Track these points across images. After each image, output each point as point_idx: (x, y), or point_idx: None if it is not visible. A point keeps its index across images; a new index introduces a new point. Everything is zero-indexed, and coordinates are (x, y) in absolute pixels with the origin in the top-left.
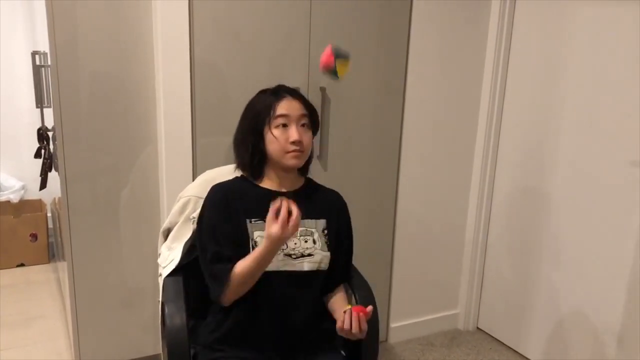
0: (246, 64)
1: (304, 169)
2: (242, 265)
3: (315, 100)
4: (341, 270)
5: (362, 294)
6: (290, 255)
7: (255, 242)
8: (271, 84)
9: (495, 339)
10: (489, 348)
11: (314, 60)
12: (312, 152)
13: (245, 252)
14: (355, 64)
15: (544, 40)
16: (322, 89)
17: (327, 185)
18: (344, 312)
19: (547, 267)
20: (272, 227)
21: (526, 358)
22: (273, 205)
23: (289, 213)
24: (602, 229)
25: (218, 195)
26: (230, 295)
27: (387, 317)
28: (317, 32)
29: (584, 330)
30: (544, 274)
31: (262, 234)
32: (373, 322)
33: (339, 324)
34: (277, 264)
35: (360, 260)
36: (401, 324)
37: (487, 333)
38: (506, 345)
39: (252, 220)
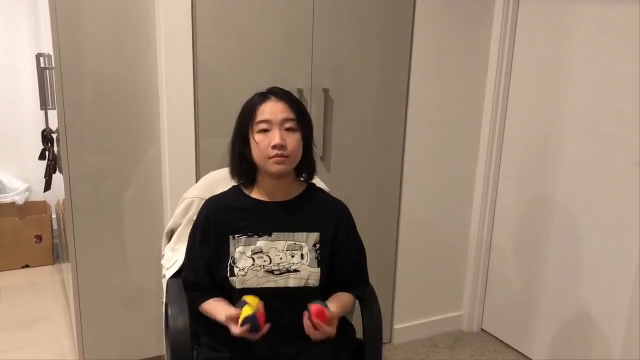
0: (249, 65)
1: (307, 174)
2: (209, 309)
3: (318, 101)
4: (348, 281)
5: (368, 306)
6: (272, 272)
7: (234, 259)
8: (274, 85)
9: (500, 340)
10: (494, 350)
11: (317, 62)
12: (312, 156)
13: (224, 267)
14: (359, 64)
15: (548, 41)
16: (325, 91)
17: (330, 186)
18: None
19: (551, 268)
20: (233, 329)
21: None
22: (243, 313)
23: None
24: (607, 230)
25: (203, 214)
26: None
27: (391, 319)
28: (321, 33)
29: (589, 332)
30: (548, 275)
31: (242, 249)
32: (377, 323)
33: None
34: (257, 280)
35: None
36: (405, 325)
37: (491, 335)
38: (511, 347)
39: (236, 236)
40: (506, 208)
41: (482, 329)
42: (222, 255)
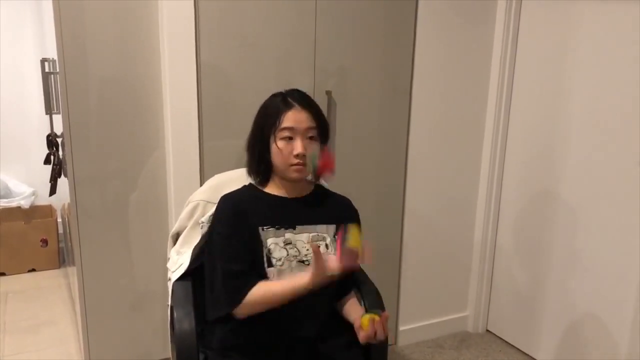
0: (252, 66)
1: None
2: (272, 289)
3: (321, 103)
4: (352, 276)
5: (371, 300)
6: (303, 262)
7: (269, 250)
8: (277, 86)
9: (505, 341)
10: (499, 350)
11: (320, 63)
12: None
13: (258, 260)
14: (361, 65)
15: (550, 40)
16: (328, 92)
17: (334, 188)
18: (368, 320)
19: (556, 268)
20: (333, 263)
21: None
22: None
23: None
24: (612, 230)
25: (227, 206)
26: (243, 311)
27: (395, 320)
28: (323, 34)
29: (595, 332)
30: (553, 275)
31: (274, 240)
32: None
33: (361, 335)
34: (292, 271)
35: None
36: (410, 326)
37: (496, 335)
38: (516, 347)
39: (264, 227)
40: (510, 208)
41: (487, 330)
42: (253, 245)
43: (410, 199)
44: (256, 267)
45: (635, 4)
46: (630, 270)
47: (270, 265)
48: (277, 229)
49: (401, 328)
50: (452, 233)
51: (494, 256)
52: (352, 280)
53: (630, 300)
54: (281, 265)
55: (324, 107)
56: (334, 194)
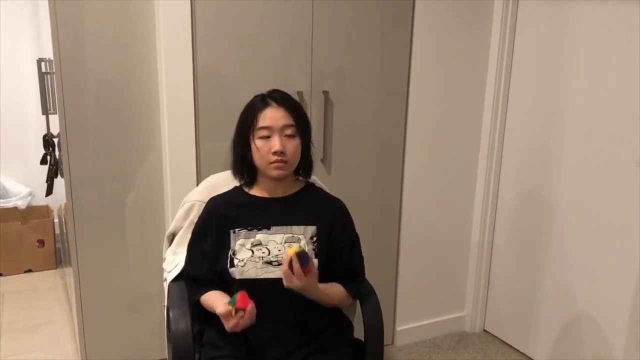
0: (249, 68)
1: (304, 173)
2: (208, 303)
3: (318, 103)
4: (342, 277)
5: (368, 306)
6: (271, 263)
7: (234, 251)
8: (274, 87)
9: (502, 341)
10: (496, 350)
11: (317, 64)
12: (310, 156)
13: (224, 258)
14: (358, 66)
15: (547, 41)
16: (325, 93)
17: (331, 188)
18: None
19: (553, 268)
20: (229, 322)
21: None
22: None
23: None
24: (609, 230)
25: (205, 210)
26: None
27: (393, 320)
28: (320, 35)
29: (591, 332)
30: (550, 275)
31: (242, 242)
32: (377, 324)
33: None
34: (256, 271)
35: (365, 263)
36: (407, 326)
37: (493, 335)
38: (513, 347)
39: (237, 229)
40: (507, 208)
41: (484, 330)
42: (222, 248)
43: (407, 200)
44: (220, 266)
45: (633, 3)
46: (627, 271)
47: (232, 265)
48: (249, 230)
49: (398, 328)
50: (449, 233)
51: (491, 256)
52: (341, 278)
53: (627, 300)
54: (243, 266)
55: (321, 108)
56: (326, 194)
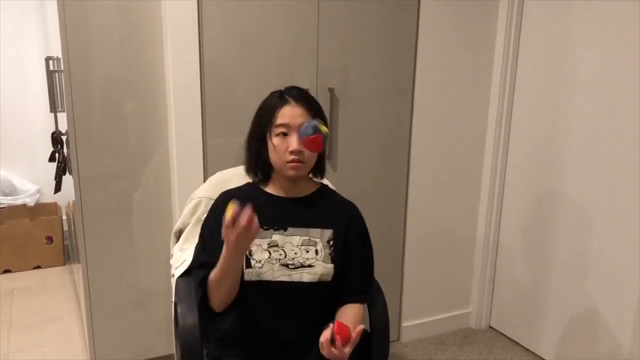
0: (255, 65)
1: (318, 173)
2: (213, 272)
3: (324, 101)
4: (354, 283)
5: (375, 310)
6: (287, 266)
7: (250, 252)
8: (280, 84)
9: (508, 337)
10: (502, 347)
11: (323, 61)
12: (324, 155)
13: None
14: (364, 64)
15: (552, 40)
16: (331, 90)
17: (337, 185)
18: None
19: (559, 265)
20: (229, 233)
21: (539, 357)
22: (231, 210)
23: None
24: (614, 227)
25: (220, 202)
26: (214, 300)
27: (398, 317)
28: (326, 33)
29: (597, 329)
30: (556, 272)
31: (258, 242)
32: (383, 321)
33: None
34: (273, 273)
35: None
36: (413, 323)
37: (499, 332)
38: (519, 343)
39: None
40: (513, 205)
41: (489, 326)
42: None
43: (413, 196)
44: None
45: (636, 3)
46: (634, 268)
47: (248, 266)
48: (266, 229)
49: (404, 324)
50: (455, 230)
51: (496, 253)
52: (353, 286)
53: (633, 298)
54: (260, 267)
55: (326, 104)
56: (338, 196)
